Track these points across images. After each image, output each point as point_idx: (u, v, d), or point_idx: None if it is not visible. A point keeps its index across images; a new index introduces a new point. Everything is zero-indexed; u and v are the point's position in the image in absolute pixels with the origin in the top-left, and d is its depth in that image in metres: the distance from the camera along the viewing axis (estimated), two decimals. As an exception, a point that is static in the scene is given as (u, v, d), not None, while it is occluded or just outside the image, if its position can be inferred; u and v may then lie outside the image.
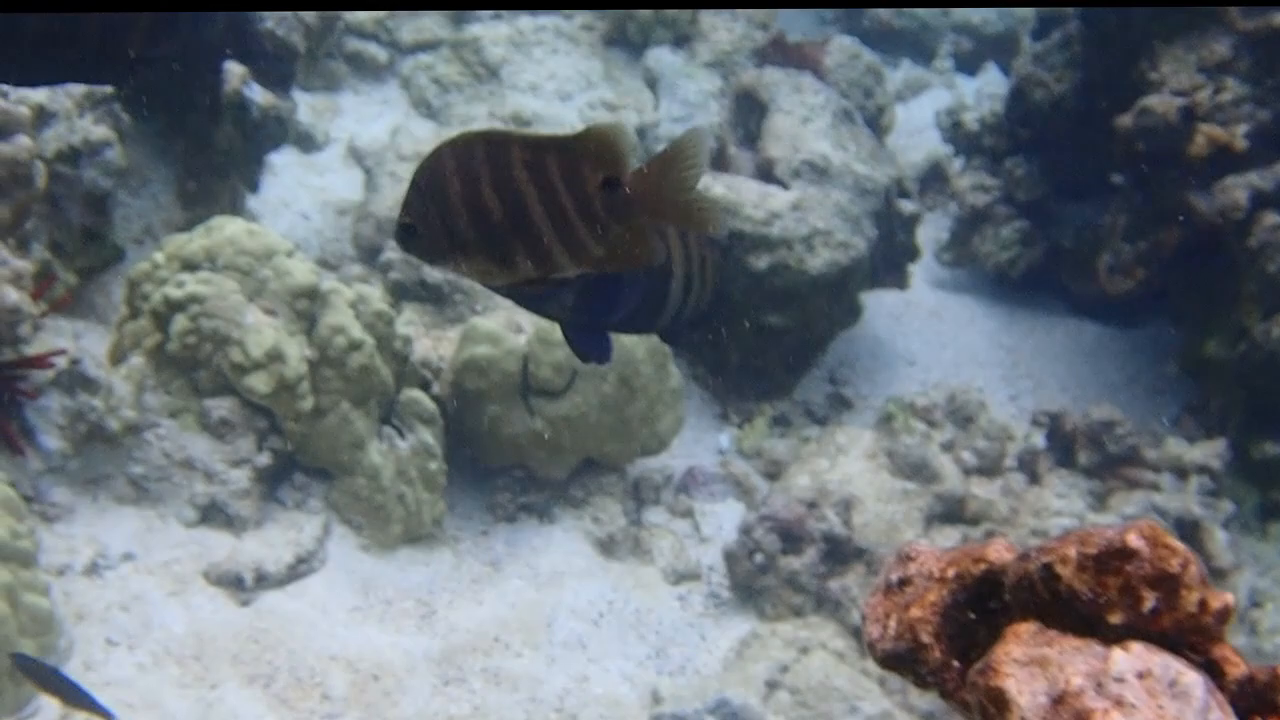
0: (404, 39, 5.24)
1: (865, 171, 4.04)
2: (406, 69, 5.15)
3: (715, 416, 4.20)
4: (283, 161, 4.67)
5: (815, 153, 4.01)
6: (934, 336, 4.55)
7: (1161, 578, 1.05)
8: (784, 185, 3.97)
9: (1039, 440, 3.84)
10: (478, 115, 4.86)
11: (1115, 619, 1.05)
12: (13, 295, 2.56)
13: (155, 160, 3.82)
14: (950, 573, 1.20)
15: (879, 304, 4.56)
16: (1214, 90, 3.75)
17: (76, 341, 3.21)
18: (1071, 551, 1.10)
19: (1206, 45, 3.80)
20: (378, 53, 5.22)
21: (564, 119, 4.89)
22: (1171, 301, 4.17)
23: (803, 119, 4.13)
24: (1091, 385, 4.35)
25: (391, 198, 3.95)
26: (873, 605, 1.23)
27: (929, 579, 1.21)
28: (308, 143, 4.80)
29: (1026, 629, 1.11)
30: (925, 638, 1.17)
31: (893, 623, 1.20)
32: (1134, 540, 1.07)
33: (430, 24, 5.28)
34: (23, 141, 2.55)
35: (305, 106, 4.84)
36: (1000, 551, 1.19)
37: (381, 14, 5.21)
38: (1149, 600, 1.04)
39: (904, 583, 1.23)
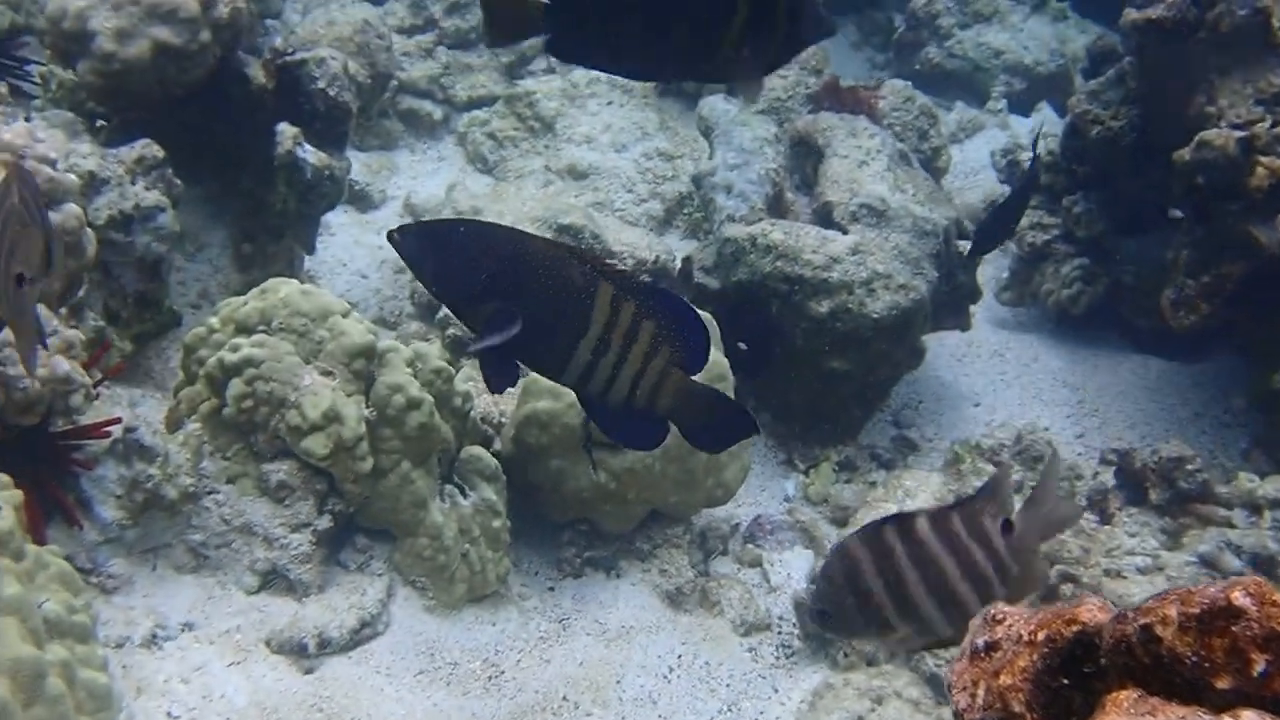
0: (458, 95, 5.23)
1: (923, 213, 3.95)
2: (461, 125, 5.13)
3: (780, 463, 4.11)
4: (339, 221, 4.65)
5: (873, 195, 3.93)
6: (998, 376, 4.44)
7: (1271, 638, 0.96)
8: (843, 229, 3.88)
9: (1108, 479, 3.73)
10: (533, 169, 4.83)
11: (1223, 684, 0.95)
12: (64, 365, 2.52)
13: (210, 223, 3.79)
14: (1040, 636, 1.10)
15: (941, 345, 4.46)
16: (1273, 122, 3.64)
17: (132, 409, 3.16)
18: (1172, 612, 1.00)
19: (1264, 76, 3.69)
20: (433, 110, 5.20)
21: (620, 170, 4.85)
22: (1238, 334, 4.03)
23: (859, 162, 4.06)
24: (1159, 421, 4.21)
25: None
26: (959, 672, 1.13)
27: (1018, 643, 1.10)
28: (364, 201, 4.78)
29: (1126, 696, 1.01)
30: (1017, 707, 1.07)
31: (981, 691, 1.10)
32: (1239, 598, 0.97)
33: (484, 79, 5.27)
34: (72, 209, 2.51)
35: (361, 165, 4.82)
36: (1093, 612, 1.09)
37: (436, 70, 5.20)
38: (1259, 663, 0.94)
39: (991, 647, 1.12)
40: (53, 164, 2.53)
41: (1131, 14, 3.88)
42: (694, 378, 2.22)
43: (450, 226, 2.30)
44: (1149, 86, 4.04)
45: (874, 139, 4.15)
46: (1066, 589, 3.26)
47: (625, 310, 2.09)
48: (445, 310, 3.77)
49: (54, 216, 2.53)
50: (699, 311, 2.19)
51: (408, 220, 4.78)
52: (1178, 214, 4.08)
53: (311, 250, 3.94)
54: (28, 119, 3.20)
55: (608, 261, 2.20)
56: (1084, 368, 4.46)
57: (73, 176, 2.56)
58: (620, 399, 2.17)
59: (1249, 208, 3.65)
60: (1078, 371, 4.45)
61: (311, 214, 3.80)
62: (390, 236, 2.12)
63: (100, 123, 3.47)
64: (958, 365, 4.46)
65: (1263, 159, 3.62)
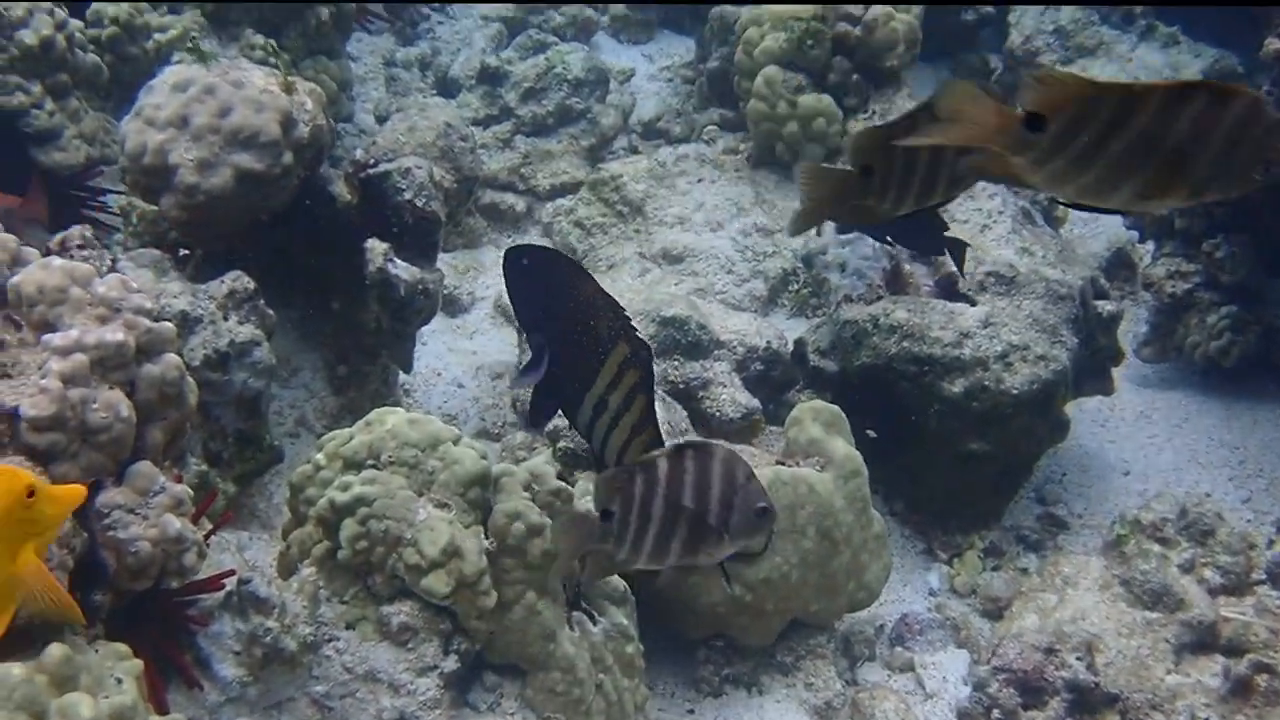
0: (541, 184, 5.24)
1: (1056, 275, 3.88)
2: (546, 215, 5.13)
3: (920, 554, 4.03)
4: (430, 329, 4.64)
5: (1000, 262, 3.87)
6: (1147, 440, 4.33)
7: None
8: (970, 301, 3.83)
9: (1287, 549, 3.62)
10: (626, 256, 4.81)
11: None
12: (176, 524, 2.50)
13: (303, 347, 3.80)
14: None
15: (1081, 411, 4.36)
16: None
17: (241, 554, 3.16)
18: None
19: None
20: (515, 201, 5.22)
21: (718, 250, 4.81)
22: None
23: (981, 226, 4.01)
24: (1331, 481, 4.10)
25: (548, 355, 3.89)
26: None
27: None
28: (453, 305, 4.79)
29: None
30: None
31: None
32: None
33: (566, 165, 5.28)
34: (171, 360, 2.51)
35: (446, 267, 4.82)
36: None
37: (516, 161, 5.22)
38: None
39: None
40: (149, 314, 2.53)
41: (1275, 44, 3.80)
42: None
43: (540, 254, 2.60)
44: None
45: (994, 199, 4.09)
46: (1261, 680, 3.15)
47: (628, 378, 2.35)
48: (558, 419, 3.75)
49: (153, 369, 2.53)
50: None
51: (499, 321, 4.78)
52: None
53: (409, 369, 3.94)
54: (114, 260, 3.23)
55: (633, 325, 2.46)
56: (1242, 424, 4.35)
57: (170, 325, 2.56)
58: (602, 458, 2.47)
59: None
60: (1236, 429, 4.34)
61: (407, 331, 3.81)
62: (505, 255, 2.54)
63: (184, 253, 3.50)
64: (1101, 431, 4.36)
65: None
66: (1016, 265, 3.85)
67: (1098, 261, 5.03)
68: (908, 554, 4.00)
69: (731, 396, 3.91)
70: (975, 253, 3.90)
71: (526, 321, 2.54)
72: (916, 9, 5.05)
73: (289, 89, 3.37)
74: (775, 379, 4.10)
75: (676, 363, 3.95)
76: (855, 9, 4.97)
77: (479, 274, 4.98)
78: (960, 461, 3.81)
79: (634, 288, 4.42)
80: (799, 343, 4.14)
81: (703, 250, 4.81)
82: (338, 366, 3.82)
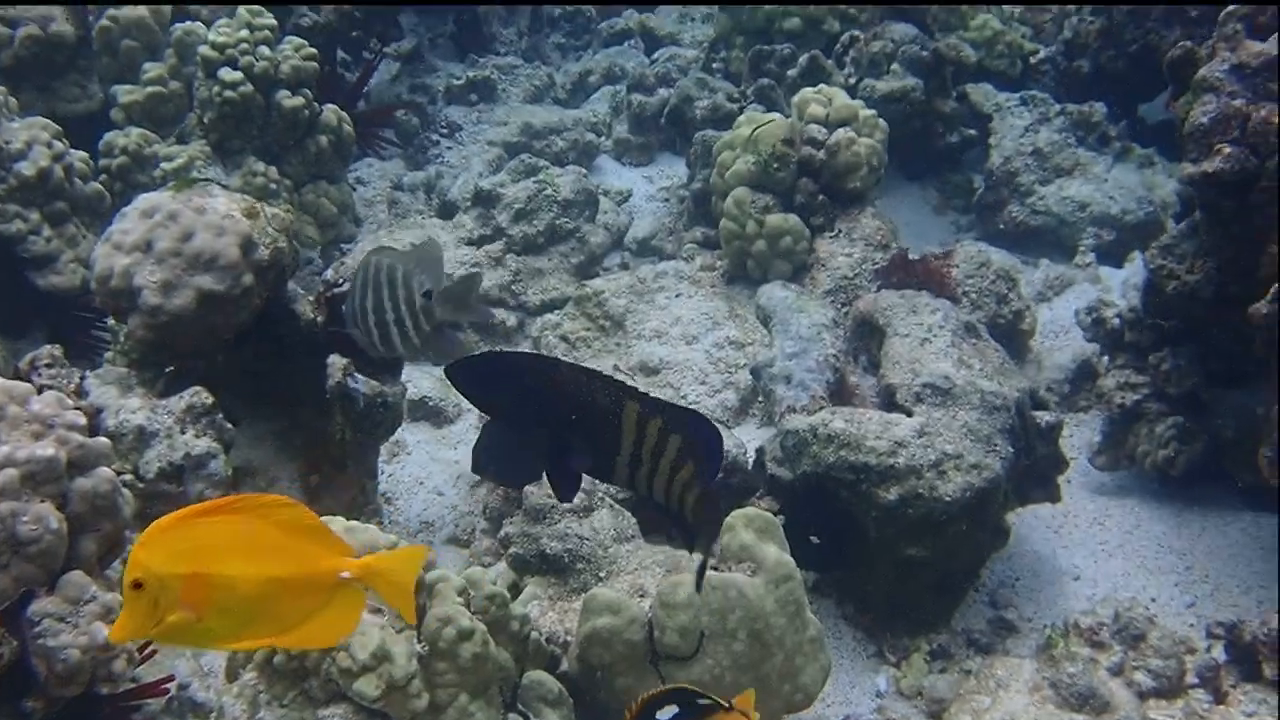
0: (531, 300, 5.35)
1: (992, 388, 3.90)
2: (535, 330, 5.23)
3: (871, 656, 4.01)
4: (415, 438, 4.75)
5: (937, 374, 3.90)
6: (1098, 546, 4.31)
7: None
8: (907, 411, 3.86)
9: (1220, 653, 3.59)
10: (605, 368, 4.89)
11: None
12: (104, 632, 2.58)
13: (279, 458, 3.88)
14: None
15: (1035, 518, 4.36)
16: (1352, 267, 3.56)
17: (198, 659, 3.23)
18: None
19: (1335, 222, 3.62)
20: (506, 316, 5.32)
21: (692, 362, 4.88)
22: (1348, 488, 3.88)
23: (921, 340, 4.04)
24: (1276, 584, 4.05)
25: (517, 464, 3.94)
26: None
27: None
28: (439, 417, 4.87)
29: None
30: None
31: None
32: None
33: (555, 282, 5.38)
34: (103, 474, 2.61)
35: (435, 380, 4.94)
36: None
37: (507, 278, 5.33)
38: None
39: None
40: (82, 430, 2.62)
41: (1189, 168, 3.84)
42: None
43: (492, 360, 2.57)
44: (1220, 239, 3.97)
45: (935, 314, 4.13)
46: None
47: (651, 427, 2.33)
48: (506, 528, 3.80)
49: (85, 482, 2.62)
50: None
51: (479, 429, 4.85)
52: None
53: (374, 476, 4.00)
54: (82, 378, 3.34)
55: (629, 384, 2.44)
56: (1191, 530, 4.32)
57: (105, 440, 2.65)
58: (678, 506, 2.41)
59: (1332, 356, 3.56)
60: (1184, 535, 4.31)
61: (369, 441, 3.88)
62: (446, 372, 2.44)
63: (167, 371, 3.59)
64: (1055, 537, 4.35)
65: (1343, 306, 3.53)
66: (953, 378, 3.88)
67: (1063, 373, 5.06)
68: (859, 657, 3.99)
69: (690, 503, 3.94)
70: (913, 365, 3.94)
71: (518, 424, 2.50)
72: (880, 133, 5.14)
73: (251, 214, 3.49)
74: (735, 486, 4.13)
75: (636, 471, 4.00)
76: (819, 133, 5.06)
77: (467, 387, 5.05)
78: (901, 567, 3.81)
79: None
80: (760, 451, 4.18)
81: (678, 362, 4.88)
82: (310, 476, 3.88)
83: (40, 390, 2.76)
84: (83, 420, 2.64)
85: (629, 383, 2.45)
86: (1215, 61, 3.79)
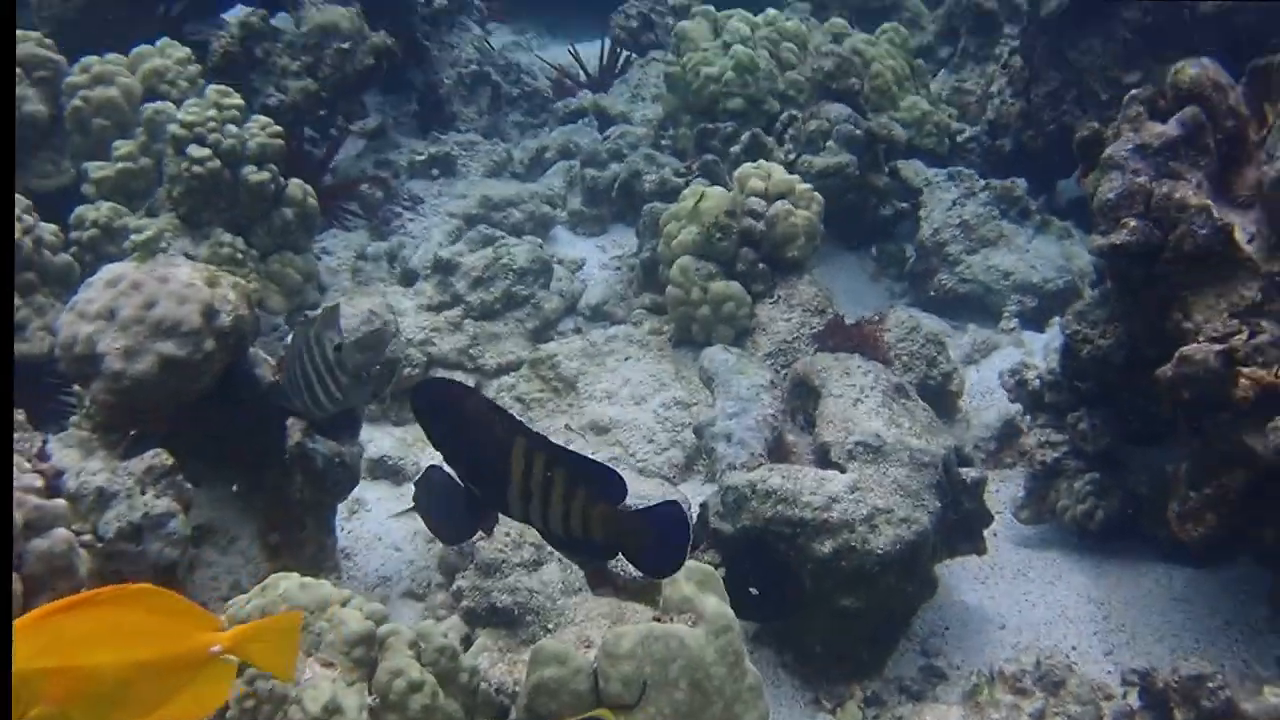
0: (488, 363, 5.30)
1: (920, 445, 3.89)
2: (491, 392, 5.18)
3: (808, 703, 3.96)
4: (374, 496, 4.68)
5: (868, 432, 3.88)
6: (1022, 597, 4.28)
7: None
8: (841, 468, 3.84)
9: (1135, 699, 3.56)
10: (556, 427, 4.85)
11: None
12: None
13: (241, 518, 3.80)
14: None
15: (964, 569, 4.34)
16: (1250, 334, 3.55)
17: (153, 709, 3.14)
18: None
19: (1235, 290, 3.62)
20: (464, 380, 5.27)
21: (640, 421, 4.85)
22: (1252, 541, 3.87)
23: (853, 400, 4.03)
24: (1188, 632, 4.02)
25: (473, 521, 3.89)
26: None
27: None
28: (398, 475, 4.81)
29: None
30: None
31: None
32: None
33: (511, 346, 5.34)
34: (59, 534, 2.55)
35: (395, 440, 4.89)
36: None
37: (465, 342, 5.28)
38: None
39: None
40: (39, 492, 2.56)
41: (1098, 240, 3.86)
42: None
43: (432, 391, 2.59)
44: (1129, 306, 3.98)
45: (867, 376, 4.13)
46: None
47: (537, 462, 2.39)
48: (459, 582, 3.74)
49: (41, 543, 2.56)
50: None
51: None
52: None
53: (332, 533, 3.93)
54: (45, 441, 3.27)
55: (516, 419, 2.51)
56: (1108, 582, 4.31)
57: (61, 502, 2.60)
58: (561, 532, 2.46)
59: (1239, 417, 3.56)
60: (1102, 586, 4.30)
61: (327, 500, 3.82)
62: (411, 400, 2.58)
63: (130, 434, 3.53)
64: (981, 588, 4.32)
65: (1244, 370, 3.53)
66: (883, 436, 3.87)
67: (990, 431, 5.06)
68: (796, 704, 3.94)
69: (633, 557, 3.89)
70: (846, 424, 3.92)
71: (442, 451, 2.56)
72: (816, 205, 5.16)
73: (213, 282, 3.45)
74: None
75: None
76: (759, 205, 5.07)
77: (425, 446, 5.00)
78: (836, 617, 3.78)
79: (555, 457, 4.43)
80: (703, 506, 4.14)
81: (627, 421, 4.85)
82: (270, 535, 3.82)
83: None
84: (39, 483, 2.59)
85: (521, 422, 2.48)
86: (1120, 141, 3.82)
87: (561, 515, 2.45)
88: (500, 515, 2.69)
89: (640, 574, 3.87)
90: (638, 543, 2.54)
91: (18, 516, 2.50)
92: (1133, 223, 3.74)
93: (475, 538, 3.72)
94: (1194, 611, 4.12)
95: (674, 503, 2.71)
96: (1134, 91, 3.93)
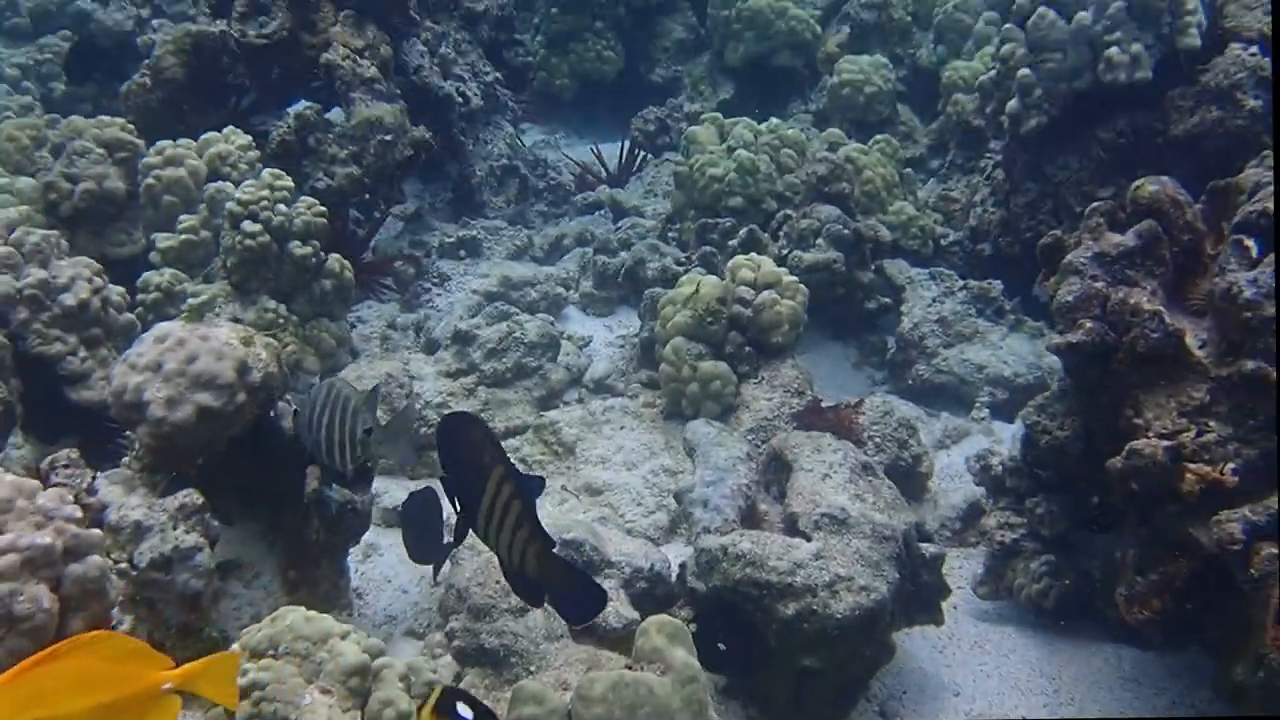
0: (496, 427, 5.36)
1: (883, 520, 3.93)
2: (499, 454, 5.25)
3: (772, 755, 3.99)
4: (387, 542, 4.74)
5: (834, 505, 3.93)
6: (977, 667, 4.30)
7: None
8: (807, 537, 3.89)
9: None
10: (554, 488, 4.93)
11: None
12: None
13: (264, 555, 3.89)
14: None
15: (924, 638, 4.36)
16: (1198, 432, 3.60)
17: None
18: None
19: (1184, 391, 3.67)
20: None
21: (630, 485, 4.92)
22: (1195, 628, 3.88)
23: (823, 475, 4.08)
24: (1134, 710, 4.00)
25: (470, 570, 3.94)
26: None
27: None
28: (409, 524, 4.88)
29: None
30: None
31: None
32: None
33: (519, 411, 5.42)
34: (94, 561, 2.64)
35: (408, 492, 4.95)
36: None
37: (478, 407, 5.37)
38: None
39: None
40: (79, 522, 2.65)
41: (1056, 339, 3.93)
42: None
43: (456, 418, 2.82)
44: (1085, 401, 4.05)
45: (836, 454, 4.18)
46: None
47: (505, 489, 2.56)
48: (451, 623, 3.80)
49: (78, 568, 2.64)
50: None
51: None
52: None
53: (343, 573, 4.00)
54: (93, 478, 3.37)
55: (508, 456, 2.72)
56: (1060, 658, 4.31)
57: (97, 532, 2.68)
58: (507, 559, 2.64)
59: (1185, 510, 3.58)
60: (1054, 662, 4.29)
61: (339, 543, 3.90)
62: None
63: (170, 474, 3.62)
64: (939, 657, 4.34)
65: (1191, 466, 3.58)
66: (848, 509, 3.91)
67: (956, 512, 5.10)
68: (759, 756, 3.96)
69: (616, 609, 3.95)
70: (814, 496, 3.98)
71: (446, 470, 2.73)
72: (801, 296, 5.25)
73: (248, 342, 3.56)
74: (657, 596, 4.13)
75: (573, 580, 4.02)
76: (748, 294, 5.17)
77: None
78: (798, 675, 3.79)
79: (551, 514, 4.51)
80: (682, 566, 4.18)
81: (618, 485, 4.92)
82: (289, 571, 3.89)
83: (47, 487, 2.81)
84: (79, 514, 2.68)
85: (505, 453, 2.66)
86: (1080, 249, 3.91)
87: (508, 544, 2.62)
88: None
89: (617, 626, 3.94)
90: (560, 589, 2.75)
91: (58, 543, 2.59)
92: (1089, 324, 3.81)
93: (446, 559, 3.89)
94: (1141, 691, 4.10)
95: (600, 589, 2.87)
96: (1095, 204, 4.01)
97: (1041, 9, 5.66)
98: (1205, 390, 3.64)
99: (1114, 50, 5.41)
